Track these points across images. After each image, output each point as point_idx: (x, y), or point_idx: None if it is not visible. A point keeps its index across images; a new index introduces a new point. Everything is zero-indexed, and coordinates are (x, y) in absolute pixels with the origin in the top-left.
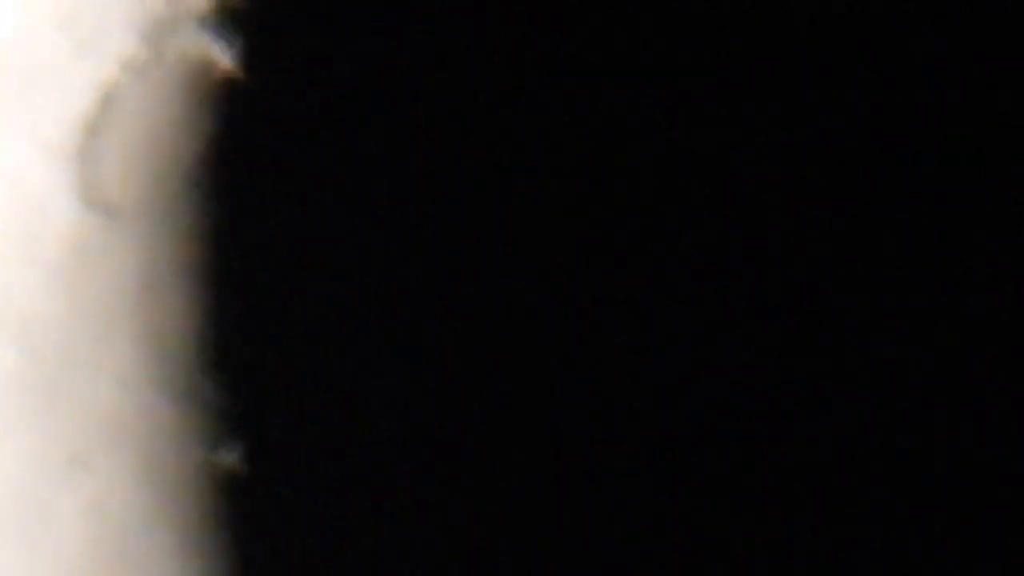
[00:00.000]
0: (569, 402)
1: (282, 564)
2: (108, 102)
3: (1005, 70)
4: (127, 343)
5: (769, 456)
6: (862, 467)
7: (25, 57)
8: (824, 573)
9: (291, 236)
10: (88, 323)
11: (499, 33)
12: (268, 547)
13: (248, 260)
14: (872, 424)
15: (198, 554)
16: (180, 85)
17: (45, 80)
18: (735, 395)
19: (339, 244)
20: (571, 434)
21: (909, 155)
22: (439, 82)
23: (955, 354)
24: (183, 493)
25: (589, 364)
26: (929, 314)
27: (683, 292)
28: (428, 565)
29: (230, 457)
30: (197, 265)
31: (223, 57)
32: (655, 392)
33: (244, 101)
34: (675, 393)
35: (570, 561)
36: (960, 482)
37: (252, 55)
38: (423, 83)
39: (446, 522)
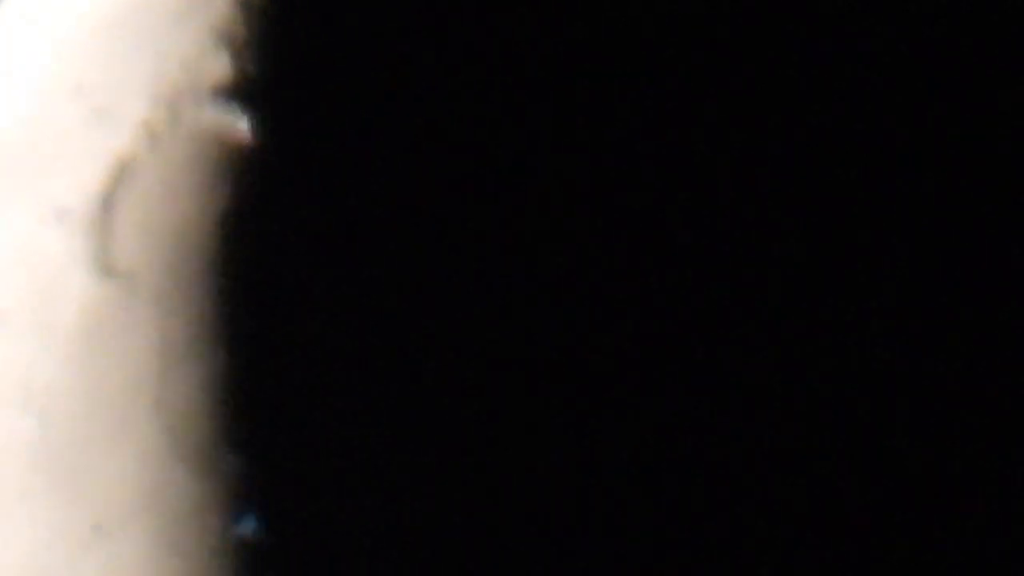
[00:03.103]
0: (567, 402)
1: None
2: (124, 172)
3: (1005, 70)
4: (145, 414)
5: (769, 456)
6: (862, 467)
7: (40, 126)
8: (824, 573)
9: (307, 307)
10: (106, 394)
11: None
12: None
13: (265, 330)
14: (872, 424)
15: None
16: (197, 155)
17: (60, 150)
18: (735, 395)
19: (355, 313)
20: (570, 434)
21: (909, 155)
22: (453, 149)
23: (955, 354)
24: (203, 564)
25: (589, 363)
26: (929, 314)
27: (683, 292)
28: None
29: (249, 528)
30: (214, 336)
31: (240, 127)
32: (655, 392)
33: (261, 172)
34: (675, 393)
35: (570, 561)
36: (960, 482)
37: (269, 125)
38: (437, 153)
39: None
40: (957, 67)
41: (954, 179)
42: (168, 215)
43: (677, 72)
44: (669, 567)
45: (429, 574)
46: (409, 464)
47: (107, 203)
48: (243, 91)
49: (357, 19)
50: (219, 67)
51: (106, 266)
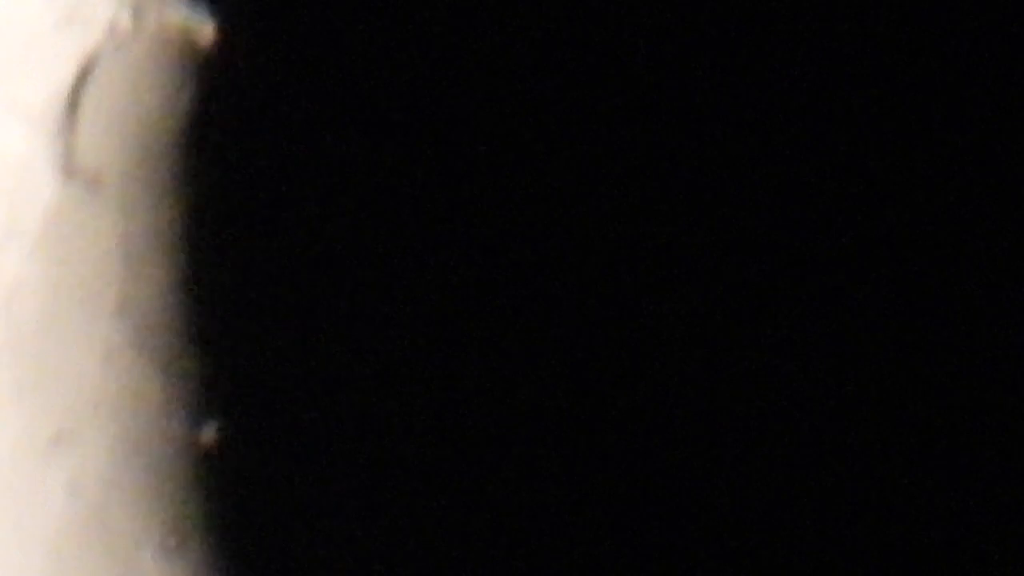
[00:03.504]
0: (565, 401)
1: (263, 537)
2: (89, 73)
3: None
4: (109, 315)
5: (769, 456)
6: (862, 467)
7: (6, 28)
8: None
9: (274, 206)
10: (71, 295)
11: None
12: (249, 520)
13: (230, 231)
14: (873, 424)
15: (180, 528)
16: (162, 56)
17: (26, 51)
18: (735, 395)
19: (322, 215)
20: (567, 434)
21: (909, 155)
22: (429, 61)
23: (955, 354)
24: (165, 467)
25: (588, 363)
26: (930, 314)
27: (683, 292)
28: (412, 545)
29: (212, 431)
30: (180, 236)
31: (205, 28)
32: (655, 392)
33: (226, 72)
34: (675, 393)
35: (568, 560)
36: (960, 482)
37: (234, 26)
38: (408, 59)
39: (432, 503)
40: (957, 67)
41: (953, 179)
42: (133, 116)
43: (676, 72)
44: (669, 567)
45: (389, 484)
46: (376, 376)
47: (72, 104)
48: None
49: None
50: None
51: (71, 167)
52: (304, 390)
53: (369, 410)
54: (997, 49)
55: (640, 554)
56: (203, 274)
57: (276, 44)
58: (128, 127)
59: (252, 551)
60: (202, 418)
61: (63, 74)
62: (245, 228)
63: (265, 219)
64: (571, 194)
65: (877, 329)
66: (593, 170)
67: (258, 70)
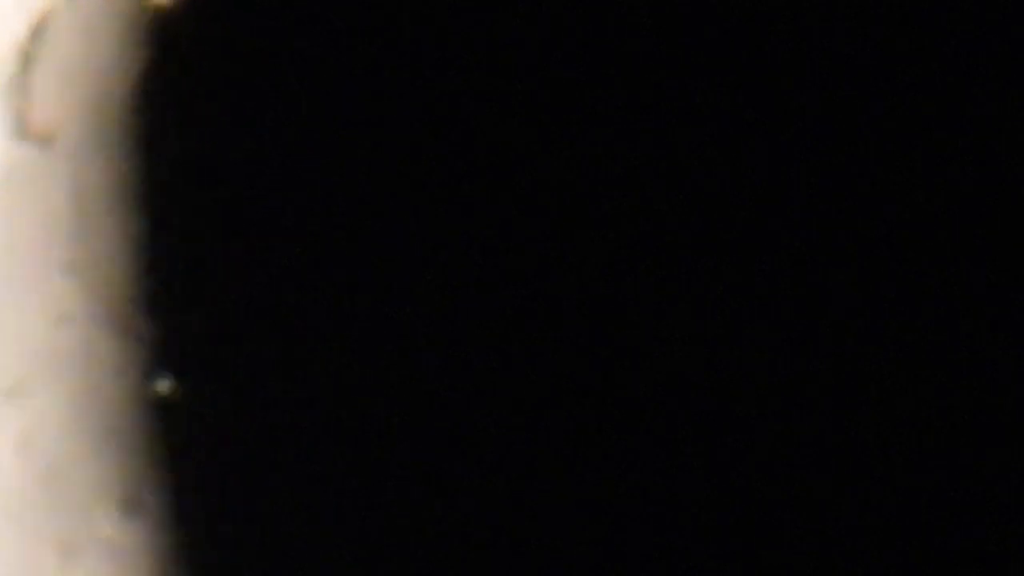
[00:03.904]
0: (564, 401)
1: (216, 491)
2: (42, 30)
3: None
4: (61, 274)
5: (770, 456)
6: (862, 467)
7: None
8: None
9: (227, 165)
10: (21, 255)
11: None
12: (206, 477)
13: (182, 190)
14: (872, 425)
15: (133, 481)
16: (113, 14)
17: None
18: (735, 395)
19: (276, 172)
20: (565, 433)
21: (910, 155)
22: (387, 21)
23: (955, 354)
24: (118, 422)
25: (588, 363)
26: (930, 315)
27: (682, 292)
28: (368, 496)
29: (164, 386)
30: (131, 196)
31: None
32: (655, 392)
33: (178, 30)
34: (675, 393)
35: (567, 560)
36: (959, 483)
37: None
38: (363, 20)
39: (392, 460)
40: (957, 67)
41: (954, 179)
42: (86, 73)
43: (676, 72)
44: (669, 566)
45: (347, 439)
46: (334, 334)
47: (25, 62)
48: None
49: None
50: None
51: (23, 125)
52: (259, 346)
53: (326, 366)
54: (997, 49)
55: (640, 554)
56: (156, 233)
57: (232, 6)
58: (81, 85)
59: (209, 508)
60: (155, 374)
61: (12, 32)
62: (199, 187)
63: (219, 178)
64: (571, 194)
65: (877, 329)
66: (593, 170)
67: (213, 28)
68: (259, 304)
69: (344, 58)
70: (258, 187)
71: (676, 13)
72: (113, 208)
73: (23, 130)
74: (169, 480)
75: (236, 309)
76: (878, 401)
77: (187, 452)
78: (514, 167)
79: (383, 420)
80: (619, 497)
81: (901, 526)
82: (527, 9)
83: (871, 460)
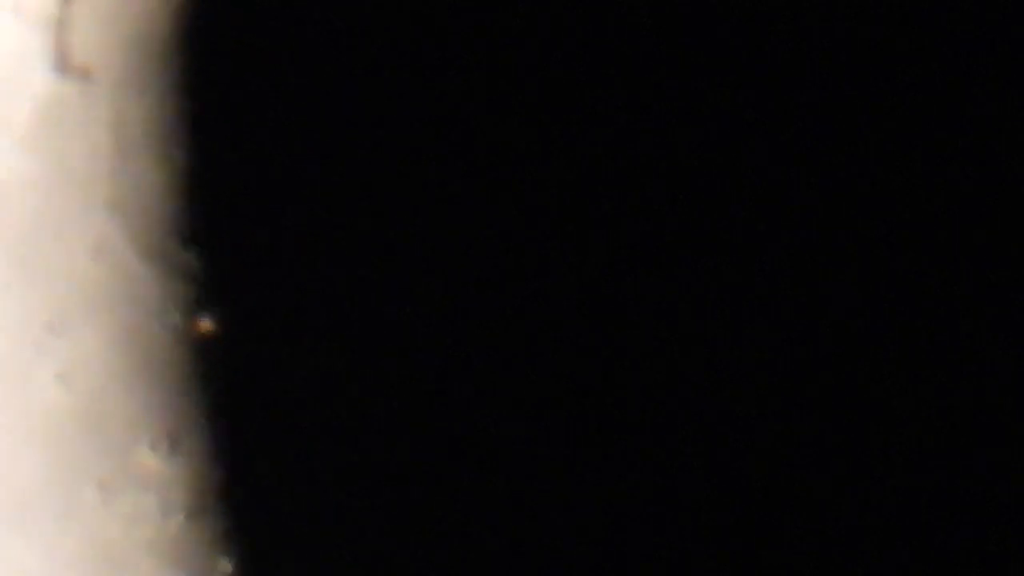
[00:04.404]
0: (565, 401)
1: (256, 428)
2: None
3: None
4: (102, 209)
5: (770, 456)
6: (862, 468)
7: None
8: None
9: (267, 100)
10: (63, 189)
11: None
12: (242, 411)
13: (224, 126)
14: (873, 425)
15: (173, 417)
16: None
17: None
18: (735, 395)
19: (316, 109)
20: (565, 433)
21: (908, 156)
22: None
23: (955, 354)
24: (159, 357)
25: (588, 363)
26: (930, 316)
27: (682, 292)
28: (405, 439)
29: (204, 322)
30: (171, 132)
31: None
32: (655, 392)
33: None
34: (675, 393)
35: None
36: (959, 483)
37: None
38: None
39: (427, 407)
40: (956, 67)
41: (953, 179)
42: (126, 10)
43: (676, 72)
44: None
45: (385, 384)
46: (370, 276)
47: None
48: None
49: None
50: None
51: (64, 62)
52: (298, 281)
53: (368, 303)
54: (997, 49)
55: (640, 554)
56: (196, 169)
57: None
58: (122, 23)
59: (248, 444)
60: (196, 310)
61: None
62: (238, 124)
63: (259, 116)
64: (571, 194)
65: (877, 329)
66: (593, 170)
67: None
68: (299, 240)
69: (392, 21)
70: (299, 123)
71: (676, 13)
72: (154, 144)
73: (64, 66)
74: (208, 416)
75: (277, 246)
76: (878, 401)
77: (227, 388)
78: (514, 167)
79: (427, 358)
80: (619, 497)
81: (901, 526)
82: (527, 9)
83: (871, 460)
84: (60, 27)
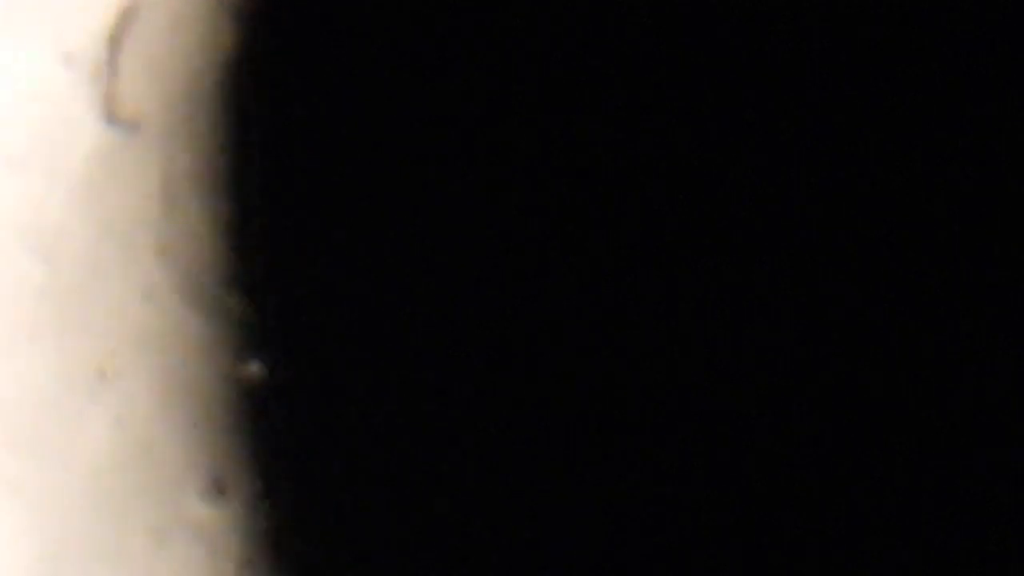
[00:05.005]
0: (568, 402)
1: (305, 475)
2: (131, 15)
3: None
4: (151, 256)
5: (770, 456)
6: (863, 468)
7: None
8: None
9: (315, 153)
10: (112, 236)
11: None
12: (292, 458)
13: (270, 174)
14: (871, 426)
15: (223, 464)
16: (203, 1)
17: None
18: (735, 395)
19: (363, 161)
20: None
21: (909, 156)
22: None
23: (955, 355)
24: (209, 403)
25: (591, 364)
26: (931, 316)
27: (682, 292)
28: (450, 487)
29: (255, 367)
30: (220, 179)
31: None
32: (655, 392)
33: (267, 17)
34: (675, 393)
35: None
36: (959, 483)
37: None
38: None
39: (466, 452)
40: (956, 67)
41: (953, 179)
42: (174, 58)
43: (676, 72)
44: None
45: (427, 421)
46: (419, 319)
47: (114, 46)
48: None
49: None
50: None
51: (113, 110)
52: (347, 329)
53: (411, 354)
54: (997, 49)
55: (640, 554)
56: (245, 215)
57: None
58: (170, 69)
59: (298, 492)
60: (245, 356)
61: (103, 16)
62: (285, 172)
63: (305, 163)
64: (571, 194)
65: (877, 329)
66: (592, 170)
67: (301, 14)
68: (348, 287)
69: (433, 58)
70: (347, 171)
71: (676, 13)
72: (202, 191)
73: (113, 115)
74: (258, 463)
75: (325, 292)
76: (878, 401)
77: (276, 435)
78: (513, 167)
79: (471, 406)
80: (619, 497)
81: (901, 526)
82: (527, 9)
83: (871, 460)
84: (109, 76)
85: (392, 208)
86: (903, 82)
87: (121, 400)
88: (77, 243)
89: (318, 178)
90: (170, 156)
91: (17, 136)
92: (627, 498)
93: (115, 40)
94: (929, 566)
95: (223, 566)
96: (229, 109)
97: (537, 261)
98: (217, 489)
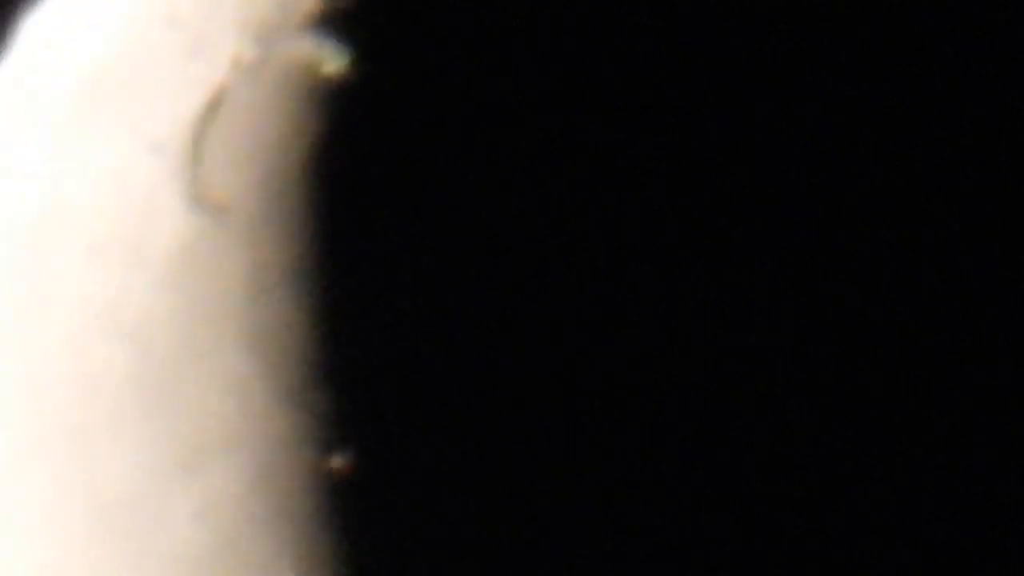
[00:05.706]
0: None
1: (393, 567)
2: (217, 103)
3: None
4: (237, 346)
5: (770, 456)
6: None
7: (135, 56)
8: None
9: (400, 240)
10: (198, 326)
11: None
12: (379, 550)
13: (356, 264)
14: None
15: (309, 557)
16: (289, 87)
17: (154, 80)
18: (735, 395)
19: (447, 250)
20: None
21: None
22: (549, 91)
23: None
24: (294, 497)
25: (595, 365)
26: (931, 316)
27: (682, 292)
28: (546, 567)
29: (341, 461)
30: (306, 268)
31: (333, 59)
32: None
33: (353, 104)
34: (675, 394)
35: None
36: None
37: (362, 58)
38: (530, 89)
39: (559, 525)
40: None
41: (953, 179)
42: (260, 147)
43: (676, 72)
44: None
45: (519, 511)
46: (502, 402)
47: (200, 135)
48: (334, 23)
49: None
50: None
51: (198, 197)
52: (437, 423)
53: (496, 442)
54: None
55: (640, 554)
56: (331, 307)
57: (403, 75)
58: (255, 158)
59: (381, 573)
60: (331, 449)
61: (189, 104)
62: (374, 261)
63: (394, 252)
64: (571, 193)
65: (877, 329)
66: (592, 170)
67: (385, 102)
68: (435, 381)
69: (518, 137)
70: (436, 261)
71: (676, 13)
72: (288, 282)
73: (199, 202)
74: (344, 559)
75: (415, 385)
76: (878, 401)
77: (362, 530)
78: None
79: (562, 500)
80: (619, 497)
81: (901, 526)
82: (527, 9)
83: (871, 460)
84: (195, 163)
85: (481, 300)
86: (903, 82)
87: (205, 493)
88: (163, 333)
89: (407, 270)
90: (257, 245)
91: (102, 224)
92: (627, 498)
93: (201, 128)
94: (929, 566)
95: None
96: (316, 198)
97: (537, 261)
98: None
